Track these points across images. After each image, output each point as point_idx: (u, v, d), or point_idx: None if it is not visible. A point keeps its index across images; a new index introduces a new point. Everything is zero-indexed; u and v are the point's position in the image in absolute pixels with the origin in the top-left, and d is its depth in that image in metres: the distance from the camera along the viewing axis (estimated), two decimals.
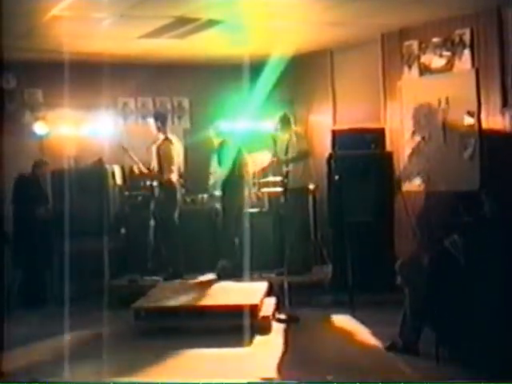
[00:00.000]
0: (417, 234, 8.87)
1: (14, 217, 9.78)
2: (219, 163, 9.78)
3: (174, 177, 9.71)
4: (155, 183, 9.73)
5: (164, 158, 9.63)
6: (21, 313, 8.98)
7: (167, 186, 9.65)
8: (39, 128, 10.45)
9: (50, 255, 9.68)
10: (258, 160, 10.33)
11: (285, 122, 9.66)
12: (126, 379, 6.27)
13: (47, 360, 6.92)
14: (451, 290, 6.17)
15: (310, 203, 10.24)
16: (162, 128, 9.77)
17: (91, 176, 10.10)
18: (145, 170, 9.81)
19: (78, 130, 10.70)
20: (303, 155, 9.56)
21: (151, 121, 9.86)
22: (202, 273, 9.67)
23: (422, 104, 9.29)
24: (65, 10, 7.64)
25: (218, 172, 9.96)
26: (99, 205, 9.94)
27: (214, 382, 6.05)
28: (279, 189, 9.55)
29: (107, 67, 9.74)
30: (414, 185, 9.40)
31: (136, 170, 9.92)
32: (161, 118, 9.86)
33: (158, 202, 9.72)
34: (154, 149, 9.71)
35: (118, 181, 10.35)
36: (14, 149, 10.19)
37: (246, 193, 10.10)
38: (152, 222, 9.75)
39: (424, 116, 9.28)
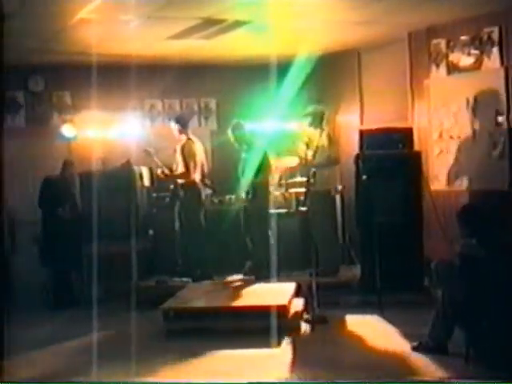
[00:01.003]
0: (446, 234, 8.81)
1: (43, 218, 9.83)
2: (246, 164, 9.77)
3: (197, 177, 9.74)
4: (179, 184, 9.74)
5: (188, 158, 9.66)
6: (50, 313, 9.04)
7: (191, 186, 9.67)
8: (67, 130, 10.50)
9: (79, 256, 9.72)
10: (285, 161, 10.33)
11: (317, 117, 9.59)
12: (154, 380, 6.29)
13: (74, 360, 6.95)
14: (480, 291, 6.11)
15: (337, 204, 10.22)
16: (183, 130, 9.82)
17: (119, 178, 10.14)
18: (168, 173, 9.84)
19: (106, 132, 10.76)
20: (332, 162, 9.48)
21: (172, 124, 9.89)
22: (231, 274, 9.67)
23: (450, 103, 9.23)
24: (92, 12, 7.68)
25: (245, 173, 9.93)
26: (127, 206, 9.98)
27: (232, 382, 6.06)
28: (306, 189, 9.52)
29: (134, 69, 9.78)
30: (443, 184, 9.35)
31: (161, 175, 9.96)
32: (182, 122, 9.89)
33: (182, 203, 9.74)
34: (178, 149, 9.76)
35: (146, 182, 10.38)
36: (42, 151, 10.32)
37: (273, 194, 10.14)
38: (177, 223, 9.77)
39: (452, 115, 9.22)
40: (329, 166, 9.44)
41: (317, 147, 9.41)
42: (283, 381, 6.21)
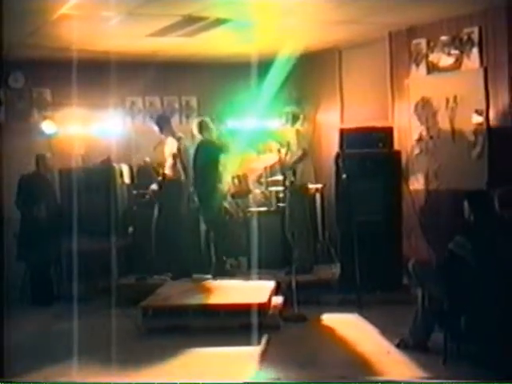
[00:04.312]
0: (425, 233, 8.86)
1: (21, 217, 9.76)
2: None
3: (182, 175, 9.73)
4: (159, 184, 9.70)
5: (184, 159, 9.61)
6: (29, 311, 9.01)
7: (176, 184, 9.65)
8: (47, 127, 10.47)
9: (58, 254, 9.68)
10: (264, 159, 10.35)
11: (293, 117, 9.61)
12: (133, 378, 6.28)
13: (54, 358, 6.91)
14: (461, 289, 6.15)
15: (317, 202, 10.25)
16: (169, 130, 9.75)
17: (99, 175, 10.11)
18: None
19: (86, 129, 10.73)
20: (302, 156, 9.46)
21: (154, 127, 9.81)
22: (211, 272, 9.66)
23: (429, 102, 9.28)
24: (73, 8, 7.65)
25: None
26: (107, 203, 9.95)
27: (227, 382, 6.05)
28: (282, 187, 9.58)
29: (115, 66, 9.75)
30: (422, 184, 9.40)
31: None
32: (162, 121, 9.82)
33: (163, 201, 9.69)
34: (174, 148, 9.63)
35: (126, 179, 10.36)
36: (22, 148, 10.25)
37: (254, 192, 10.18)
38: (157, 221, 9.74)
39: (432, 115, 9.27)
40: (300, 161, 9.41)
41: (288, 146, 9.46)
42: (281, 381, 6.22)
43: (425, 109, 9.35)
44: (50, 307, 9.18)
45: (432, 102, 9.25)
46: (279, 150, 9.68)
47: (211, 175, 9.53)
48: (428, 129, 9.34)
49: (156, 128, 9.77)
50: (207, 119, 9.84)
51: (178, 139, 9.63)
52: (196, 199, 9.69)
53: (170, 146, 9.66)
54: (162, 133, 9.74)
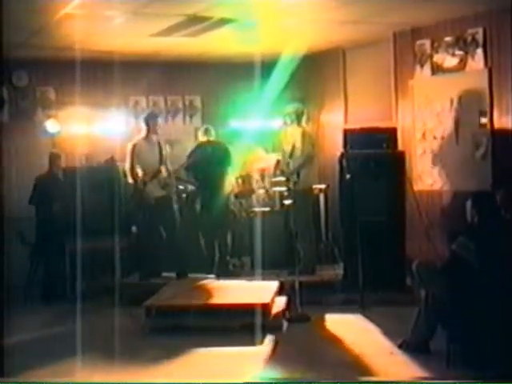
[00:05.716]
0: (429, 234, 8.85)
1: (36, 214, 9.80)
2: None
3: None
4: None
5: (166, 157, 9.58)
6: (32, 309, 9.02)
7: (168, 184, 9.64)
8: (51, 126, 10.49)
9: (63, 253, 9.69)
10: (268, 159, 10.34)
11: (297, 116, 9.52)
12: (136, 377, 6.28)
13: (57, 357, 6.90)
14: (464, 291, 6.14)
15: (321, 203, 10.24)
16: (153, 128, 9.58)
17: (103, 174, 10.13)
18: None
19: (90, 128, 10.74)
20: (308, 161, 9.37)
21: (142, 125, 9.63)
22: (213, 271, 9.66)
23: (434, 103, 9.27)
24: (77, 8, 7.66)
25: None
26: (111, 203, 9.96)
27: (230, 382, 6.05)
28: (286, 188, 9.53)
29: (119, 65, 9.78)
30: (426, 184, 9.39)
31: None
32: (152, 120, 9.62)
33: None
34: (165, 147, 9.63)
35: (130, 179, 10.33)
36: (26, 146, 10.27)
37: (257, 192, 10.18)
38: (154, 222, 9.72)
39: (436, 115, 9.26)
40: (305, 165, 9.33)
41: (293, 146, 9.40)
42: (281, 381, 6.21)
43: (429, 109, 9.35)
44: (54, 306, 9.18)
45: (436, 103, 9.24)
46: (278, 161, 9.66)
47: (220, 175, 9.53)
48: (432, 129, 9.34)
49: (144, 127, 9.54)
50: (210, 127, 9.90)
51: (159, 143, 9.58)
52: (199, 199, 9.68)
53: (153, 146, 9.56)
54: (149, 132, 9.53)
